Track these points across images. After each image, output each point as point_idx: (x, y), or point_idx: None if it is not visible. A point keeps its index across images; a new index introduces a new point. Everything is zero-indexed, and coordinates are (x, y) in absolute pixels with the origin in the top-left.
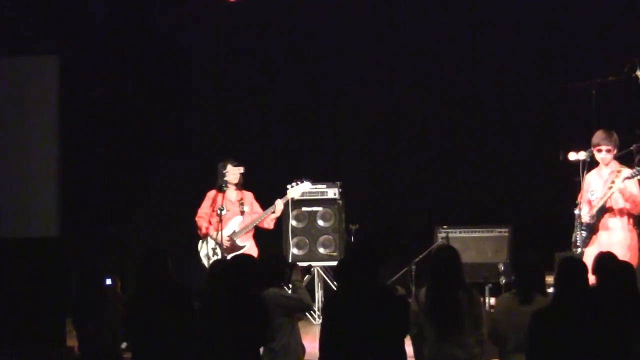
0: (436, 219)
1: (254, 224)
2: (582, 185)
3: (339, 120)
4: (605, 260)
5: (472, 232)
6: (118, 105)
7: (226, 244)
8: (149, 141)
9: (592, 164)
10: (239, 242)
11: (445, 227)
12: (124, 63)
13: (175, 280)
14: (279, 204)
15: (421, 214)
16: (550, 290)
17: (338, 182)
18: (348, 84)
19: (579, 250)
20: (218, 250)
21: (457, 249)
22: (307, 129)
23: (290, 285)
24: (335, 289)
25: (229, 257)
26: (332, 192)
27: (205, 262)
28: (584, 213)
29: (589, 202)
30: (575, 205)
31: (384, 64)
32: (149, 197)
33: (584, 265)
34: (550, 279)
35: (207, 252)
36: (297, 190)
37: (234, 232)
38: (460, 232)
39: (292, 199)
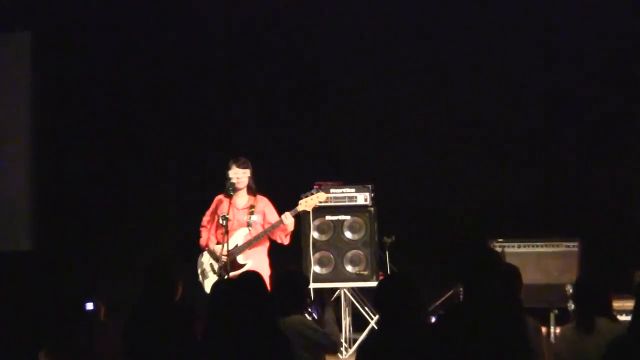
0: (489, 230)
1: (258, 239)
2: None
3: (372, 112)
4: None
5: (533, 246)
6: (101, 94)
7: (224, 260)
8: (141, 137)
9: None
10: (240, 259)
11: (500, 240)
12: (109, 42)
13: (179, 303)
14: (288, 218)
15: (471, 223)
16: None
17: (369, 186)
18: (386, 69)
19: None
20: (216, 267)
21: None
22: (334, 123)
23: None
24: (368, 317)
25: (228, 276)
26: (363, 198)
27: (201, 280)
28: None
29: None
30: None
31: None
32: (143, 204)
33: None
34: (625, 304)
35: (204, 268)
36: (310, 202)
37: (237, 246)
38: (519, 247)
39: (304, 210)
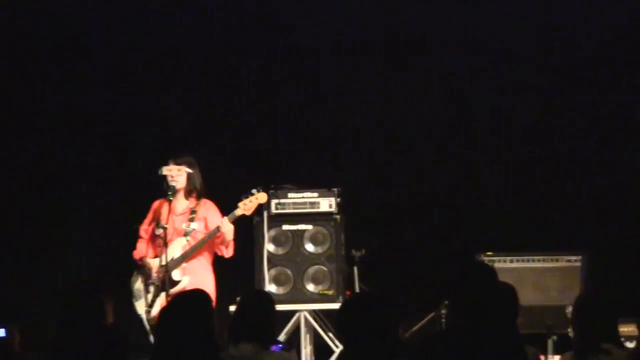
0: (477, 242)
1: (194, 251)
2: None
3: (341, 106)
4: None
5: (529, 261)
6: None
7: (155, 277)
8: (71, 135)
9: None
10: (175, 275)
11: (489, 253)
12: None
13: (114, 335)
14: (225, 224)
15: (455, 234)
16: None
17: (335, 189)
18: (371, 62)
19: None
20: (151, 288)
21: None
22: (295, 118)
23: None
24: (333, 345)
25: (168, 295)
26: (327, 203)
27: (136, 304)
28: None
29: None
30: None
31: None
32: (69, 214)
33: None
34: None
35: (137, 287)
36: (249, 205)
37: (172, 259)
38: (511, 262)
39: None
